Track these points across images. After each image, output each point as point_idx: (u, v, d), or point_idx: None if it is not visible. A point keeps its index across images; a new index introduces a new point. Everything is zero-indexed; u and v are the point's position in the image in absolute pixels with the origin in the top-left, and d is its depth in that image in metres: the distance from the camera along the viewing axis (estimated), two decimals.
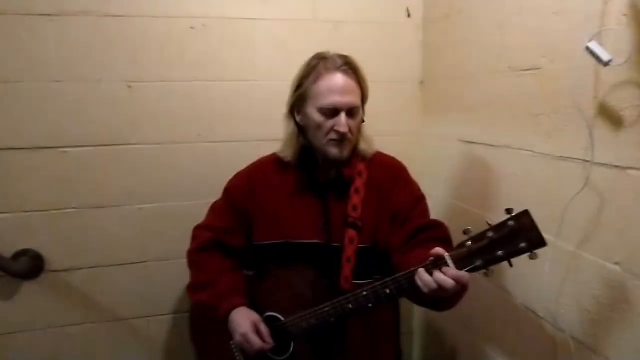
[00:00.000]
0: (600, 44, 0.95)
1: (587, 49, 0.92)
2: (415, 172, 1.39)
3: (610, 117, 0.98)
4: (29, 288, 1.58)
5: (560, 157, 1.13)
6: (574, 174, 1.07)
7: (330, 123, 1.19)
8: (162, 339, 1.75)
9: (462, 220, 1.54)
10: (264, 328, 1.22)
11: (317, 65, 1.21)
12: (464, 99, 1.55)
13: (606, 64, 0.90)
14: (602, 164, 1.00)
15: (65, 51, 1.50)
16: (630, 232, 0.95)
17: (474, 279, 1.50)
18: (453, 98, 1.63)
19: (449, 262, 0.95)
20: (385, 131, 1.80)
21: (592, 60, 0.95)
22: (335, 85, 1.18)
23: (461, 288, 0.97)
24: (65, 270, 1.60)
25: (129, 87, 1.56)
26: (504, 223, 0.90)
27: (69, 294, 1.62)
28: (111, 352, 1.70)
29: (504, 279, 1.37)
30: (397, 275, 1.05)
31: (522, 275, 1.28)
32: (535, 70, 1.20)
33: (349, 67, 1.20)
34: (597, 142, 1.01)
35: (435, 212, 1.60)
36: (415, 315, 1.99)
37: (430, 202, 1.34)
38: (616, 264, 0.99)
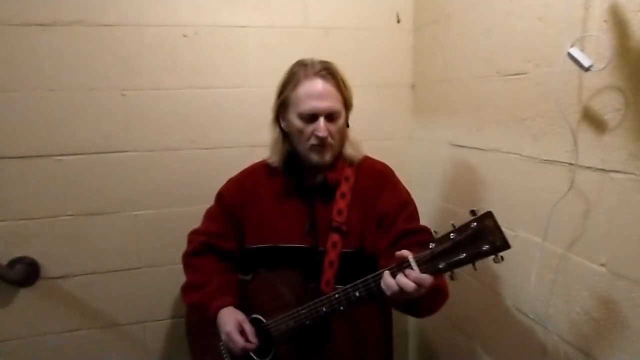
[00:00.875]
0: (582, 49, 0.97)
1: (569, 54, 0.94)
2: (406, 175, 1.41)
3: (594, 121, 1.00)
4: (25, 295, 1.59)
5: (547, 160, 1.14)
6: (560, 177, 1.09)
7: (310, 128, 1.21)
8: (158, 344, 1.76)
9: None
10: (248, 327, 1.23)
11: (297, 72, 1.22)
12: (454, 103, 1.57)
13: (587, 69, 0.92)
14: (587, 167, 1.02)
15: (59, 60, 1.51)
16: (615, 233, 0.96)
17: (466, 281, 1.53)
18: (443, 102, 1.64)
19: (413, 264, 0.94)
20: (376, 135, 1.83)
21: (575, 65, 0.97)
22: (312, 91, 1.19)
23: (426, 291, 0.96)
24: (60, 277, 1.61)
25: (123, 95, 1.58)
26: (467, 225, 0.87)
27: (65, 300, 1.63)
28: (108, 358, 1.70)
29: (496, 280, 1.38)
30: (366, 277, 1.05)
31: (513, 277, 1.30)
32: (521, 75, 1.22)
33: (328, 72, 1.21)
34: (581, 145, 1.03)
35: (425, 214, 1.61)
36: (409, 317, 2.00)
37: (421, 205, 1.35)
38: (602, 265, 1.00)
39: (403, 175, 1.38)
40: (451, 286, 1.64)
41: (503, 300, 1.36)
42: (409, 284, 0.94)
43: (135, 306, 1.71)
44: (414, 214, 1.29)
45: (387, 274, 0.99)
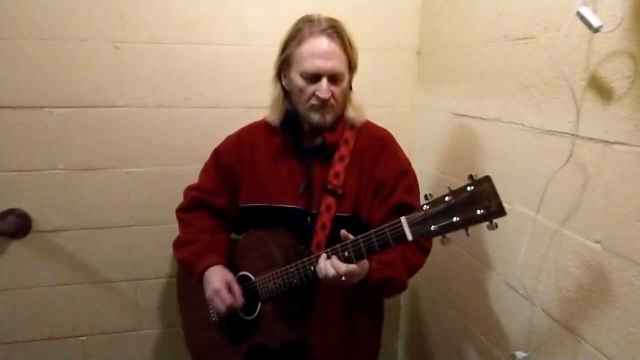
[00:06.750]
0: (595, 10, 0.90)
1: (578, 13, 0.87)
2: (407, 145, 1.36)
3: (600, 88, 0.93)
4: (16, 247, 1.59)
5: (548, 130, 1.08)
6: (560, 148, 1.04)
7: (311, 88, 1.17)
8: (149, 303, 1.77)
9: None
10: (236, 288, 1.22)
11: (302, 29, 1.17)
12: (458, 70, 1.50)
13: (596, 30, 0.85)
14: (589, 138, 0.96)
15: (50, 8, 1.45)
16: (613, 209, 0.92)
17: (460, 254, 1.49)
18: (448, 69, 1.57)
19: (405, 225, 0.90)
20: (377, 102, 1.77)
21: (586, 29, 0.90)
22: (317, 50, 1.14)
23: (358, 280, 1.02)
24: (52, 231, 1.61)
25: (116, 47, 1.53)
26: (463, 188, 0.83)
27: (56, 254, 1.63)
28: (98, 313, 1.72)
29: (488, 254, 1.35)
30: (356, 237, 0.99)
31: (505, 251, 1.26)
32: (529, 39, 1.14)
33: (334, 30, 1.16)
34: (585, 115, 0.97)
35: (424, 187, 1.56)
36: None
37: (421, 176, 1.31)
38: (597, 242, 0.96)
39: (403, 146, 1.33)
40: (444, 259, 1.62)
41: (494, 274, 1.33)
42: (330, 270, 0.97)
43: (127, 264, 1.71)
44: (413, 186, 1.25)
45: (322, 257, 1.02)
